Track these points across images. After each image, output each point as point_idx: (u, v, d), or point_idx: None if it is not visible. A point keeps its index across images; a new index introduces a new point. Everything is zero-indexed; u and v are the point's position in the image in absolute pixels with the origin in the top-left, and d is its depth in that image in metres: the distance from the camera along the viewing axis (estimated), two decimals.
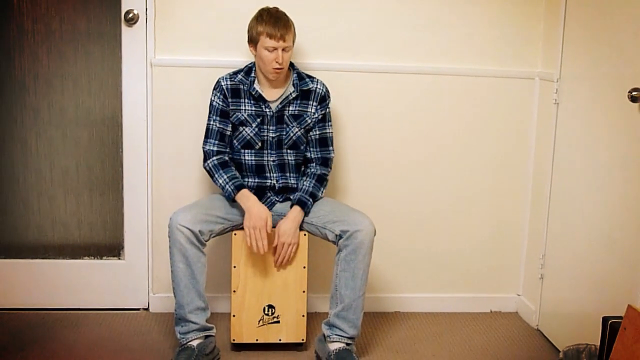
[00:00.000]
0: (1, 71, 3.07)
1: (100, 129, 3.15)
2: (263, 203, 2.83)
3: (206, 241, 2.71)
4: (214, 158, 2.82)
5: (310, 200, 2.80)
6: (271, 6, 2.81)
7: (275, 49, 2.70)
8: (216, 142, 2.83)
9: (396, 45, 3.15)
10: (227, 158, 2.84)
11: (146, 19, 3.03)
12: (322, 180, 2.86)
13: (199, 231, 2.66)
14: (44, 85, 3.10)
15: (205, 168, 2.84)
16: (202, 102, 2.99)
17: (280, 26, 2.71)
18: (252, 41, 2.77)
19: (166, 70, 3.07)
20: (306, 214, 2.79)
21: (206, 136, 2.85)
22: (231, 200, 2.77)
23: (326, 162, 2.89)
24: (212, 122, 2.83)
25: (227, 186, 2.76)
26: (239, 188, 2.75)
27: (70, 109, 3.13)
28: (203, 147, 2.84)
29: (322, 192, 2.87)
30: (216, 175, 2.80)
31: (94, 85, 3.12)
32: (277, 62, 2.71)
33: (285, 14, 2.77)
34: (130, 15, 3.01)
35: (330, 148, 2.90)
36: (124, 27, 3.04)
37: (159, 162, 3.13)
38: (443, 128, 3.23)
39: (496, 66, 3.20)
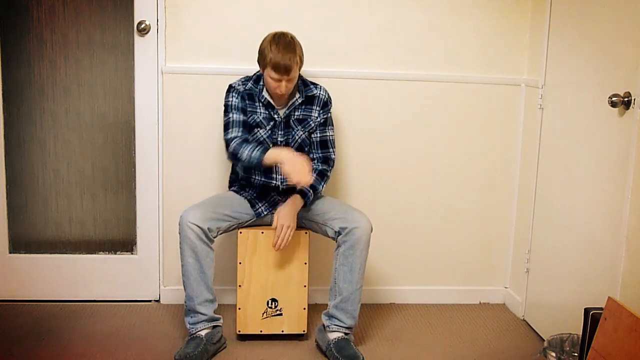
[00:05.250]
0: (22, 78, 3.07)
1: (114, 132, 3.16)
2: (266, 202, 2.84)
3: (214, 238, 2.71)
4: (236, 138, 2.72)
5: (311, 191, 2.78)
6: (285, 31, 2.75)
7: (280, 80, 2.68)
8: (239, 129, 2.74)
9: (391, 55, 3.15)
10: (249, 138, 2.76)
11: (157, 29, 3.03)
12: (323, 176, 2.84)
13: (208, 228, 2.66)
14: (62, 92, 3.10)
15: (229, 152, 2.72)
16: (210, 107, 3.00)
17: (287, 60, 2.64)
18: (260, 63, 2.75)
19: (176, 78, 3.07)
20: (305, 203, 2.77)
21: (227, 128, 2.75)
22: (261, 164, 2.64)
23: (327, 161, 2.88)
24: (232, 115, 2.75)
25: (254, 153, 2.64)
26: (265, 151, 2.65)
27: (86, 114, 3.13)
28: (225, 138, 2.74)
29: (323, 186, 2.84)
30: (240, 151, 2.66)
31: (109, 92, 3.12)
32: (279, 90, 2.70)
33: (294, 46, 2.69)
34: (143, 25, 3.02)
35: (331, 150, 2.89)
36: (136, 37, 3.05)
37: (169, 163, 3.13)
38: (435, 131, 3.23)
39: (485, 73, 3.21)
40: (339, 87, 3.09)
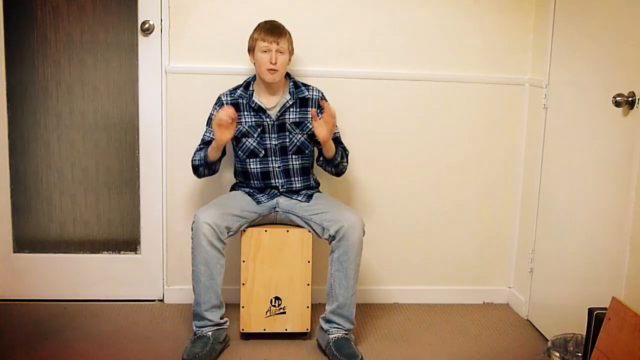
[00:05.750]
0: (26, 78, 3.07)
1: (118, 132, 3.16)
2: (267, 194, 2.85)
3: (226, 239, 2.69)
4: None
5: (340, 149, 2.82)
6: (271, 19, 2.84)
7: (270, 50, 2.72)
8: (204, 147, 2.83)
9: (393, 54, 3.14)
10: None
11: (161, 29, 3.04)
12: (344, 155, 2.87)
13: (225, 227, 2.66)
14: (66, 91, 3.11)
15: (193, 167, 2.84)
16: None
17: (274, 30, 2.75)
18: (250, 49, 2.80)
19: (180, 77, 3.07)
20: (333, 157, 2.79)
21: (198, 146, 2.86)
22: (206, 160, 2.76)
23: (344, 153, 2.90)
24: (207, 134, 2.84)
25: (199, 152, 2.80)
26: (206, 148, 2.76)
27: (90, 114, 3.13)
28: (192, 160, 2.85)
29: (343, 160, 2.86)
30: (193, 160, 2.82)
31: (113, 91, 3.13)
32: (270, 62, 2.72)
33: (281, 24, 2.80)
34: (146, 25, 3.02)
35: (344, 145, 2.91)
36: (140, 37, 3.05)
37: (172, 163, 3.14)
38: (439, 131, 3.22)
39: (489, 73, 3.20)
40: (340, 87, 3.09)
